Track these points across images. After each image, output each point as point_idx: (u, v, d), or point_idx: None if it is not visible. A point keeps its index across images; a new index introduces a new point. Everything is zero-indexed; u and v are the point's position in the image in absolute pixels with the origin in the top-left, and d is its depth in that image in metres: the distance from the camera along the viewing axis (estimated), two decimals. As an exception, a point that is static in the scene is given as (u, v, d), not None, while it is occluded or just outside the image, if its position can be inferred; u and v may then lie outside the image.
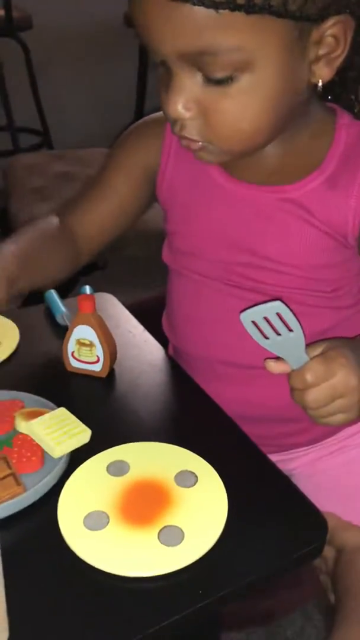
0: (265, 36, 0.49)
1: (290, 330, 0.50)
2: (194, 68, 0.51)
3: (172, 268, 0.71)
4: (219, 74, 0.50)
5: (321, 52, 0.52)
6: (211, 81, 0.51)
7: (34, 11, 2.25)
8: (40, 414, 0.59)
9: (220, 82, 0.51)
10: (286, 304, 0.49)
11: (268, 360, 0.53)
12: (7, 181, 1.73)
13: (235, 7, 0.46)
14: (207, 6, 0.46)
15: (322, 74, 0.54)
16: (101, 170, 0.73)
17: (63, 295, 0.81)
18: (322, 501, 0.54)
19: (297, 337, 0.51)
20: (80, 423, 0.57)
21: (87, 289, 0.79)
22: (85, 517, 0.50)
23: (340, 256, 0.62)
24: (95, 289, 0.81)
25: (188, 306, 0.70)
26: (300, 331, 0.51)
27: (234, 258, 0.64)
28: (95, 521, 0.50)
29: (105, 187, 0.72)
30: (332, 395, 0.51)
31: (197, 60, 0.50)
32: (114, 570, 0.47)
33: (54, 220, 0.75)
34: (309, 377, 0.51)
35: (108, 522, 0.50)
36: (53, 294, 0.81)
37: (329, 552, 0.69)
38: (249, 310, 0.50)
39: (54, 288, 0.82)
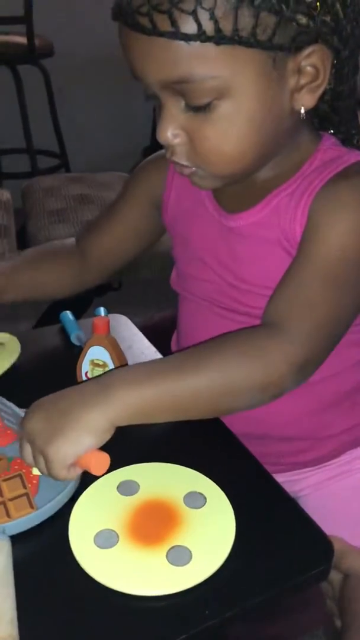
0: (239, 65, 0.51)
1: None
2: (178, 96, 0.54)
3: (178, 292, 0.74)
4: (199, 101, 0.53)
5: (303, 81, 0.55)
6: (193, 108, 0.54)
7: (55, 38, 2.31)
8: None
9: (201, 109, 0.53)
10: None
11: None
12: (25, 202, 1.76)
13: (205, 39, 0.49)
14: (178, 39, 0.49)
15: (305, 102, 0.56)
16: (116, 199, 0.78)
17: (78, 316, 0.83)
18: (329, 524, 0.55)
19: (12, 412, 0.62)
20: None
21: (102, 310, 0.81)
22: (96, 536, 0.51)
23: None
24: (109, 309, 0.83)
25: (189, 328, 0.73)
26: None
27: (225, 282, 0.66)
28: (105, 539, 0.51)
29: (118, 214, 0.77)
30: (29, 446, 0.53)
31: (179, 89, 0.53)
32: (122, 589, 0.48)
33: (69, 241, 0.81)
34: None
35: (118, 541, 0.51)
36: (68, 315, 0.83)
37: (335, 576, 0.69)
38: None
39: (68, 308, 0.84)
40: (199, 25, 0.49)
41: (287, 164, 0.61)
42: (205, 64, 0.51)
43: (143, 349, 0.78)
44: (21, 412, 0.62)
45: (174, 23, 0.49)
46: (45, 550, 0.52)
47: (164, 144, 0.57)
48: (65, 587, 0.49)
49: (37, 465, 0.53)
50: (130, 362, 0.70)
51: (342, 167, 0.59)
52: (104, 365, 0.69)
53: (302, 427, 0.70)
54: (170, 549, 0.50)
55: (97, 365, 0.69)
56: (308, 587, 0.51)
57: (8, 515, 0.52)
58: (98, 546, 0.50)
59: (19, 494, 0.53)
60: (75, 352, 0.72)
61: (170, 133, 0.56)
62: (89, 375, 0.69)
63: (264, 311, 0.60)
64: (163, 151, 0.74)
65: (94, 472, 0.53)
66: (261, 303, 0.64)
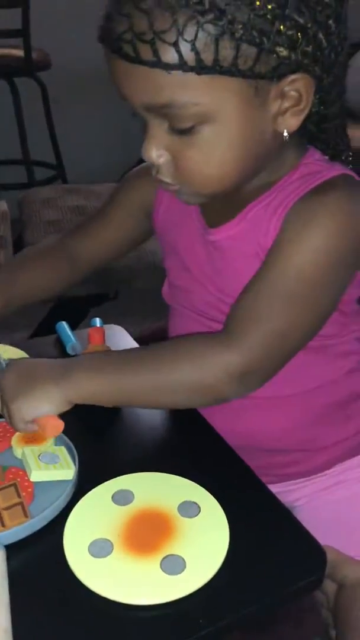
0: (220, 93, 0.52)
1: None
2: (162, 118, 0.54)
3: (169, 303, 0.75)
4: (182, 125, 0.54)
5: (286, 104, 0.55)
6: (177, 130, 0.54)
7: (52, 51, 2.34)
8: (36, 432, 0.61)
9: (185, 132, 0.54)
10: None
11: None
12: (22, 213, 1.77)
13: (186, 69, 0.50)
14: (160, 68, 0.50)
15: (289, 125, 0.56)
16: (105, 203, 0.79)
17: (74, 326, 0.84)
18: (323, 534, 0.55)
19: None
20: (71, 462, 0.59)
21: (97, 321, 0.81)
22: (90, 545, 0.51)
23: None
24: (105, 319, 0.83)
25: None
26: None
27: (210, 294, 0.67)
28: (99, 549, 0.51)
29: (106, 218, 0.78)
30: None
31: (162, 112, 0.54)
32: (117, 598, 0.48)
33: (53, 242, 0.83)
34: None
35: (112, 550, 0.51)
36: (64, 325, 0.83)
37: (330, 586, 0.69)
38: None
39: (64, 318, 0.85)
40: (181, 55, 0.50)
41: (270, 178, 0.62)
42: (187, 91, 0.52)
43: (138, 359, 0.78)
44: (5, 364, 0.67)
45: (155, 53, 0.50)
46: (39, 559, 0.52)
47: (149, 162, 0.58)
48: (59, 596, 0.49)
49: (2, 413, 0.61)
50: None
51: (320, 182, 0.59)
52: (99, 375, 0.69)
53: (293, 440, 0.71)
54: (164, 558, 0.50)
55: (93, 375, 0.69)
56: (302, 596, 0.51)
57: (2, 524, 0.52)
58: (93, 555, 0.51)
59: (14, 503, 0.53)
60: (70, 362, 0.72)
61: (155, 153, 0.56)
62: (85, 385, 0.70)
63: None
64: None
65: (47, 435, 0.59)
66: None
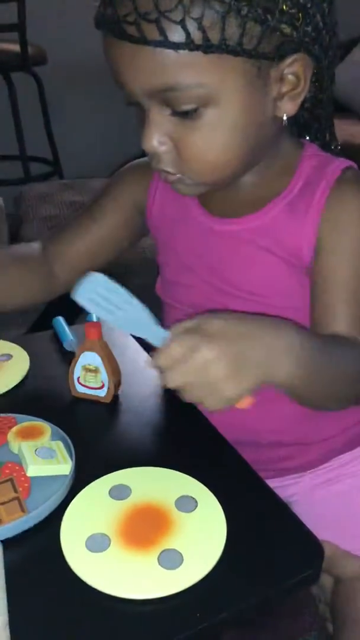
0: (225, 73, 0.52)
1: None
2: (162, 103, 0.54)
3: (163, 299, 0.74)
4: (185, 107, 0.53)
5: (284, 89, 0.56)
6: (179, 114, 0.54)
7: (48, 46, 2.33)
8: (33, 427, 0.61)
9: (187, 115, 0.54)
10: (109, 276, 0.51)
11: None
12: (18, 208, 1.77)
13: (193, 48, 0.50)
14: (167, 47, 0.50)
15: (287, 109, 0.57)
16: (93, 201, 0.75)
17: (70, 322, 0.83)
18: (320, 529, 0.55)
19: (136, 309, 0.50)
20: (67, 457, 0.58)
21: (94, 316, 0.81)
22: (87, 539, 0.51)
23: (305, 284, 0.63)
24: (102, 315, 0.83)
25: None
26: (137, 302, 0.50)
27: (212, 288, 0.67)
28: (96, 543, 0.51)
29: (95, 215, 0.74)
30: (194, 377, 0.49)
31: (164, 96, 0.53)
32: (114, 592, 0.48)
33: (35, 246, 0.76)
34: (162, 358, 0.49)
35: (109, 545, 0.51)
36: (61, 321, 0.83)
37: (327, 581, 0.69)
38: (79, 289, 0.52)
39: (60, 314, 0.84)
40: (188, 34, 0.49)
41: (273, 169, 0.62)
42: (192, 72, 0.51)
43: (135, 355, 0.78)
44: (160, 329, 0.52)
45: (162, 32, 0.49)
46: (37, 554, 0.52)
47: (150, 152, 0.57)
48: (56, 591, 0.49)
49: (189, 390, 0.50)
50: (122, 368, 0.71)
51: (337, 174, 0.60)
52: (96, 370, 0.69)
53: (289, 433, 0.71)
54: (161, 553, 0.50)
55: (89, 370, 0.69)
56: (299, 591, 0.51)
57: (-1, 519, 0.52)
58: (90, 550, 0.50)
59: (10, 497, 0.53)
60: (67, 358, 0.72)
61: (157, 141, 0.56)
62: (81, 381, 0.70)
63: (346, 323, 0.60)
64: (145, 158, 0.74)
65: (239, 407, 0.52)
66: (248, 308, 0.64)
